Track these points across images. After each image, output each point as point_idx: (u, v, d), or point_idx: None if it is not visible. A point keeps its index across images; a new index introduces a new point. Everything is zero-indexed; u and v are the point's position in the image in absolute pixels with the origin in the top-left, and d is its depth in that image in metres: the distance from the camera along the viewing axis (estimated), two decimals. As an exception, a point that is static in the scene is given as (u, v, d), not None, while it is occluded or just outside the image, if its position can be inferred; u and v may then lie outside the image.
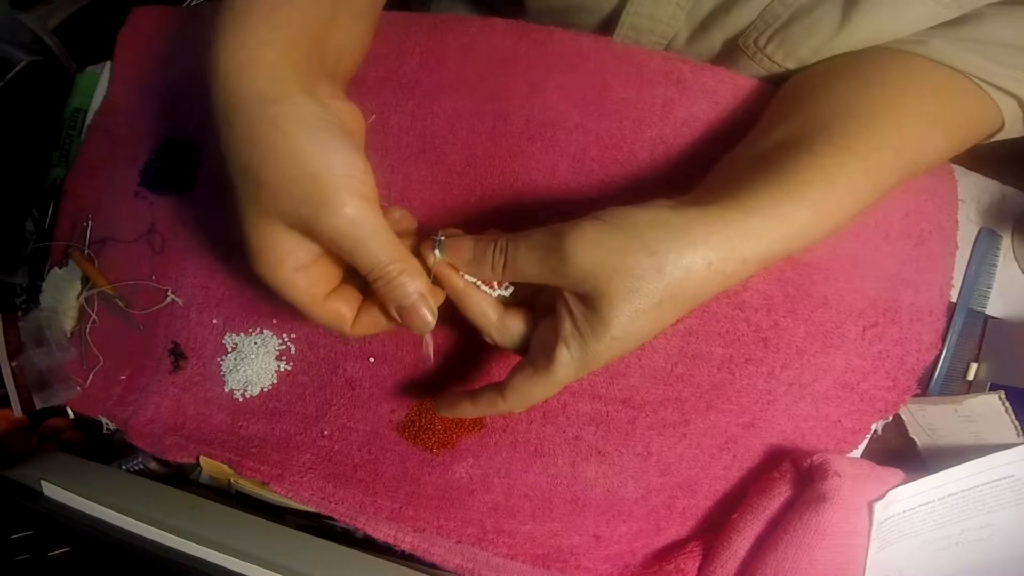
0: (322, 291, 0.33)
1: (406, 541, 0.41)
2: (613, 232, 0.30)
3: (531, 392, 0.33)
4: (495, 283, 0.34)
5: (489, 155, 0.44)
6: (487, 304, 0.35)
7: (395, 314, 0.32)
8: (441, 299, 0.34)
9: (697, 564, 0.40)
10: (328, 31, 0.34)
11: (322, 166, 0.29)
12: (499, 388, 0.34)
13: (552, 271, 0.31)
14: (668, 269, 0.30)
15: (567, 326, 0.31)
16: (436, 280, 0.34)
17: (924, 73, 0.38)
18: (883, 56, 0.38)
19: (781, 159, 0.34)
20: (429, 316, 0.32)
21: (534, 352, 0.34)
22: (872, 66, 0.38)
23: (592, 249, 0.30)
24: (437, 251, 0.34)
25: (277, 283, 0.32)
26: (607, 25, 0.45)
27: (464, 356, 0.43)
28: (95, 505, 0.38)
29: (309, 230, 0.30)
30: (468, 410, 0.36)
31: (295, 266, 0.32)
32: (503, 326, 0.35)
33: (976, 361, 0.44)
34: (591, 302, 0.31)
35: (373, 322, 0.34)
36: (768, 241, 0.31)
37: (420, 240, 0.34)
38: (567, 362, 0.32)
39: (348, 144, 0.30)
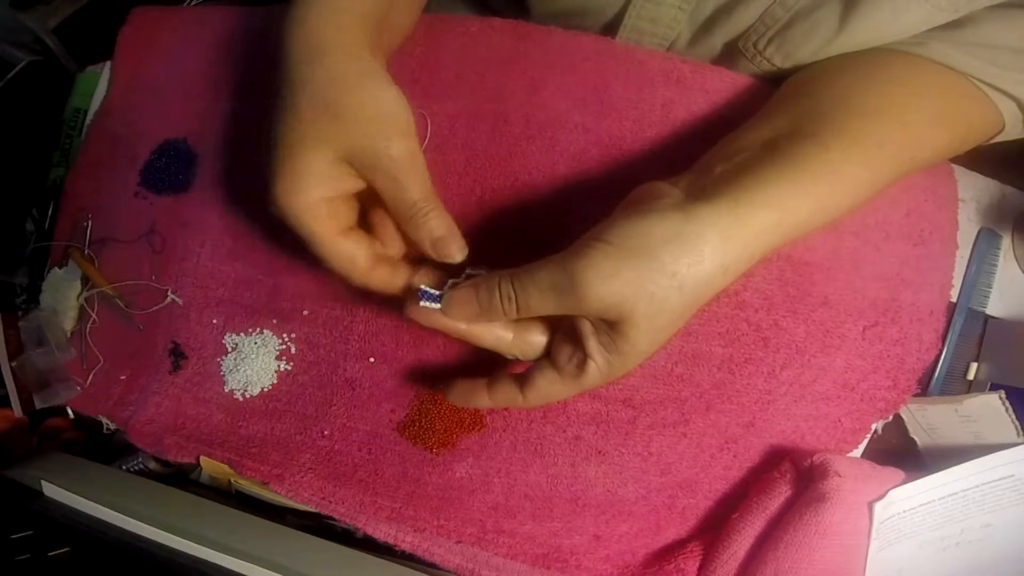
0: (338, 227, 0.35)
1: (406, 541, 0.41)
2: (628, 259, 0.29)
3: (554, 393, 0.34)
4: None
5: (489, 155, 0.44)
6: (499, 329, 0.34)
7: (429, 248, 0.34)
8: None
9: (697, 564, 0.40)
10: (388, 12, 0.38)
11: (399, 110, 0.34)
12: (519, 383, 0.34)
13: (571, 308, 0.31)
14: (690, 286, 0.30)
15: (592, 343, 0.32)
16: (436, 329, 0.35)
17: (926, 72, 0.38)
18: (885, 54, 0.39)
19: (791, 149, 0.33)
20: (461, 243, 0.34)
21: (559, 359, 0.33)
22: (875, 62, 0.38)
23: (610, 283, 0.29)
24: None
25: (301, 208, 0.33)
26: (609, 29, 0.46)
27: (465, 354, 0.43)
28: (95, 505, 0.38)
29: (368, 161, 0.33)
30: (483, 401, 0.36)
31: (323, 195, 0.33)
32: (522, 342, 0.35)
33: (976, 361, 0.44)
34: (615, 325, 0.31)
35: (388, 274, 0.36)
36: (774, 235, 0.32)
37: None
38: (595, 373, 0.32)
39: (406, 100, 0.35)
